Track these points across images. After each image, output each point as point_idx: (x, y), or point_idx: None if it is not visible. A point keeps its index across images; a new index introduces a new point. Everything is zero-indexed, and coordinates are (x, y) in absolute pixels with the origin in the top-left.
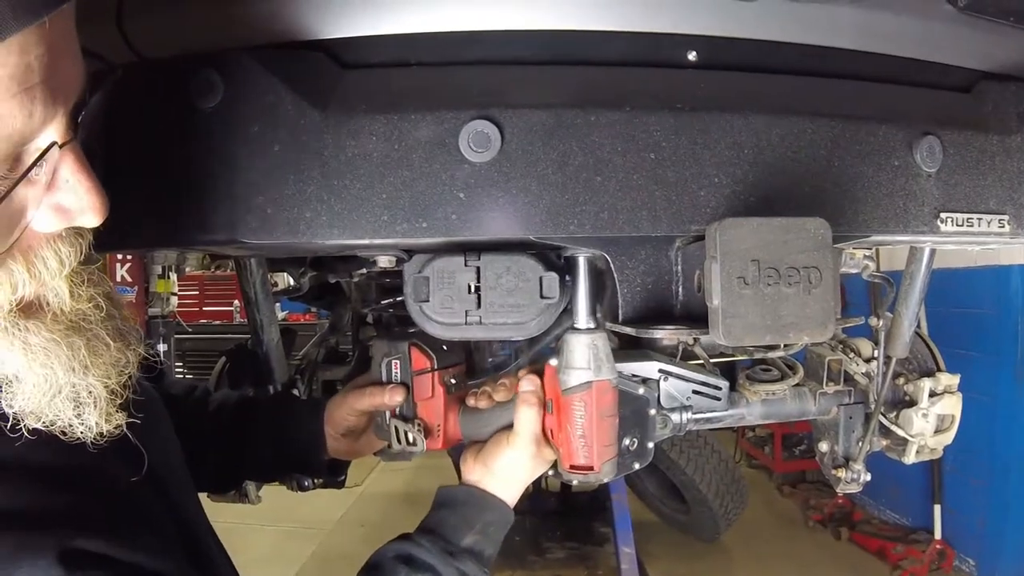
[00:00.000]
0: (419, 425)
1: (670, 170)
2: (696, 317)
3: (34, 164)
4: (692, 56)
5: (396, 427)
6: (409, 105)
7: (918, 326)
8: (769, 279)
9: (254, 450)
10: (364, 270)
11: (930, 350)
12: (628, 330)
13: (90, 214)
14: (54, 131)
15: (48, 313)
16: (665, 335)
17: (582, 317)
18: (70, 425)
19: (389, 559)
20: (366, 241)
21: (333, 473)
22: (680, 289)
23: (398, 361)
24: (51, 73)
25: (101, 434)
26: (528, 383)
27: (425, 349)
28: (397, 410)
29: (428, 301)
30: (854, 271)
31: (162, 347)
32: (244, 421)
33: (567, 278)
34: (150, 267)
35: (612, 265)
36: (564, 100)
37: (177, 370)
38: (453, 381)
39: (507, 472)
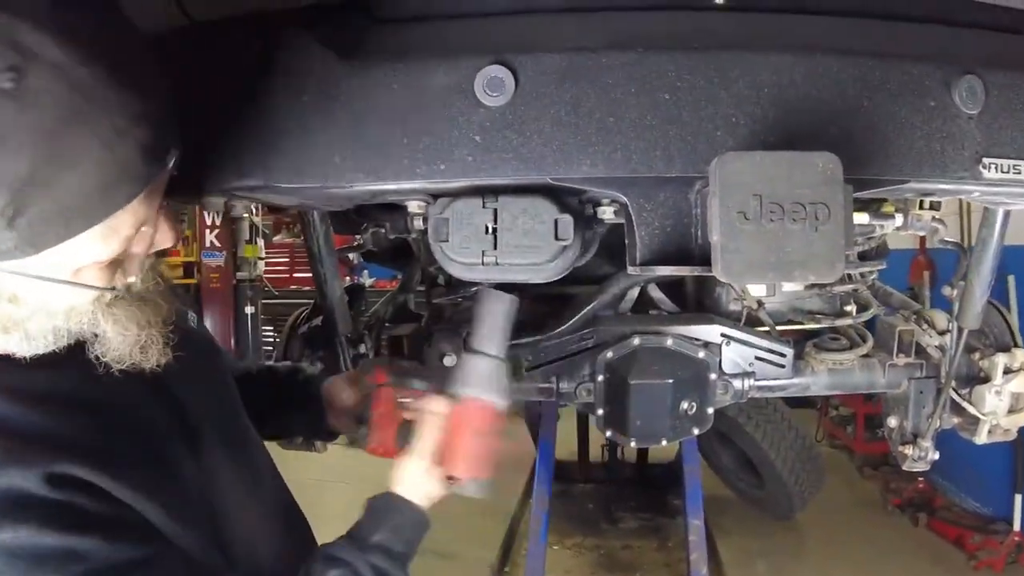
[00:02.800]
0: (368, 430)
1: (685, 110)
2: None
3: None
4: None
5: (357, 424)
6: (427, 53)
7: (1006, 301)
8: (772, 215)
9: (271, 409)
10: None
11: (1007, 324)
12: (634, 270)
13: (169, 242)
14: (156, 205)
15: (128, 294)
16: (667, 272)
17: (484, 344)
18: (140, 363)
19: (315, 565)
20: (391, 186)
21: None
22: (699, 232)
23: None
24: (162, 178)
25: (159, 365)
26: (435, 403)
27: (385, 369)
28: (361, 413)
29: (447, 241)
30: (920, 233)
31: (249, 309)
32: (264, 384)
33: (585, 222)
34: (238, 233)
35: (629, 207)
36: (576, 43)
37: (267, 333)
38: (405, 401)
39: (407, 481)
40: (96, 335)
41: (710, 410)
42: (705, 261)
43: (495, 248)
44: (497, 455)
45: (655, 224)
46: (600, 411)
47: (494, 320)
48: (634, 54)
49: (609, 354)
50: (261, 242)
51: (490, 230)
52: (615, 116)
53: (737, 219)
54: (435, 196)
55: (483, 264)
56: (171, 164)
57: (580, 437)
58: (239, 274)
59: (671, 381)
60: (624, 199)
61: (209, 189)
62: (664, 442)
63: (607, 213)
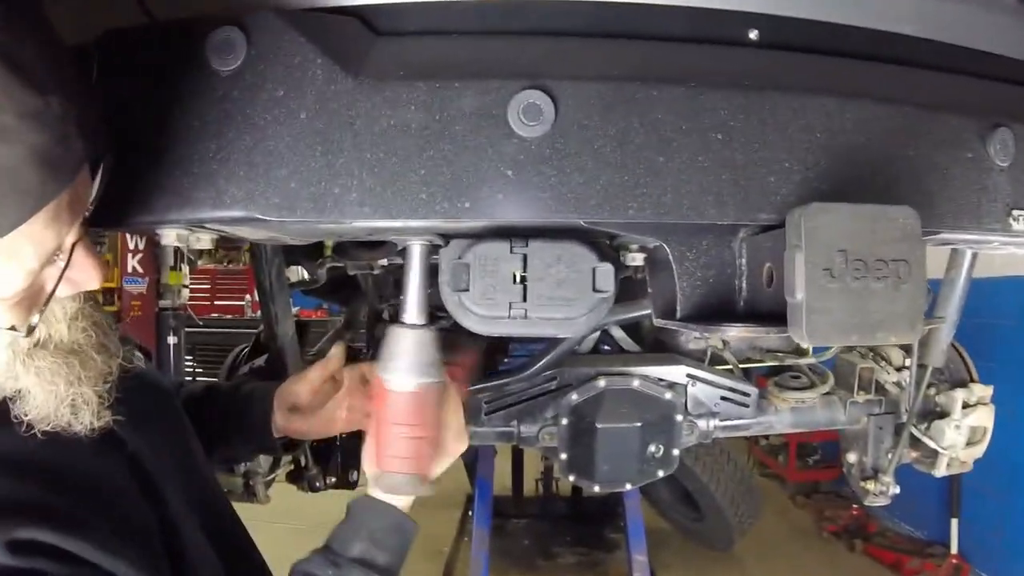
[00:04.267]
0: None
1: (738, 153)
2: (762, 315)
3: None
4: (753, 35)
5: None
6: (453, 72)
7: None
8: (856, 272)
9: (214, 434)
10: (386, 261)
11: (963, 360)
12: (691, 327)
13: (92, 283)
14: (73, 234)
15: (52, 344)
16: (736, 334)
17: (409, 311)
18: (70, 425)
19: None
20: (401, 222)
21: (287, 451)
22: (744, 284)
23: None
24: (73, 201)
25: (93, 429)
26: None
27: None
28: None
29: (468, 291)
30: None
31: (172, 340)
32: (206, 408)
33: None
34: (162, 258)
35: (671, 256)
36: (625, 72)
37: (187, 364)
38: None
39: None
40: (19, 391)
41: (676, 452)
42: (751, 317)
43: (524, 300)
44: (429, 450)
45: (697, 275)
46: (564, 455)
47: (417, 281)
48: (688, 88)
49: (574, 396)
50: (186, 268)
51: (519, 279)
52: (665, 155)
53: (823, 276)
54: (447, 236)
55: (509, 317)
56: (86, 183)
57: (515, 471)
58: (161, 302)
59: (639, 424)
60: (665, 246)
61: (171, 219)
62: (629, 486)
63: (636, 260)
